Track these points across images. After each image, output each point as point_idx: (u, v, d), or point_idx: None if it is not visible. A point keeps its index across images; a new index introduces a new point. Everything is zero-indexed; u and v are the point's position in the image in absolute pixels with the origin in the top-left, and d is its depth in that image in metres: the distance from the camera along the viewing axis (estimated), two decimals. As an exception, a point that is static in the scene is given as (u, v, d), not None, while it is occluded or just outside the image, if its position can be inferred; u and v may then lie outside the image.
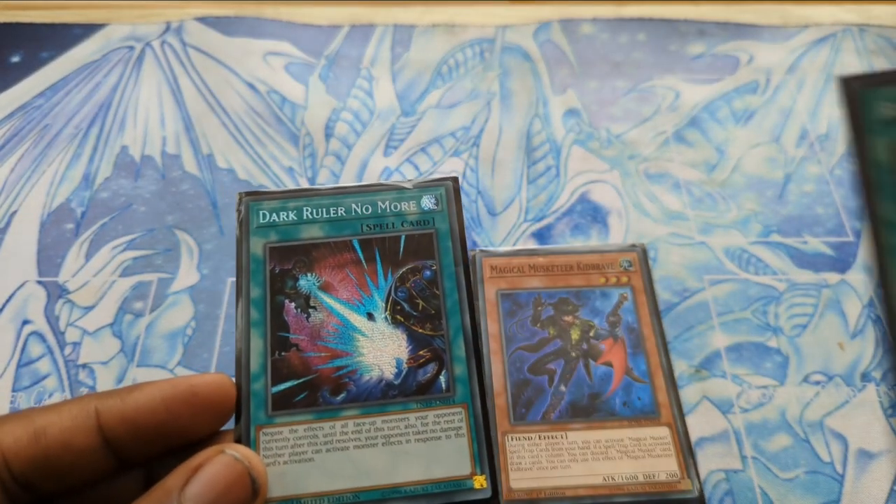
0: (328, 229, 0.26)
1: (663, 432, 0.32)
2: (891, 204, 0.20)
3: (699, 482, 0.31)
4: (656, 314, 0.35)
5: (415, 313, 0.25)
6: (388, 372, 0.24)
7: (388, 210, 0.26)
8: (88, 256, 0.38)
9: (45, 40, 0.48)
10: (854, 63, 0.47)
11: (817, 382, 0.34)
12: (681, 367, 0.34)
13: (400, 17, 0.50)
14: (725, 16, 0.50)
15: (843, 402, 0.33)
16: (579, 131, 0.44)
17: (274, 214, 0.26)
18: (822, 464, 0.32)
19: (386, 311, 0.25)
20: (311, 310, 0.25)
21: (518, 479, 0.31)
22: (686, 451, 0.31)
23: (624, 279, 0.36)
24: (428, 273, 0.25)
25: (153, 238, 0.39)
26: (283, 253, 0.25)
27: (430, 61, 0.47)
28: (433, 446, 0.23)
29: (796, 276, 0.37)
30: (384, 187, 0.26)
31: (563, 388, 0.33)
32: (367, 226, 0.26)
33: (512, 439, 0.32)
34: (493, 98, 0.45)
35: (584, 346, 0.34)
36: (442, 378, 0.24)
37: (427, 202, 0.26)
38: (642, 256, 0.37)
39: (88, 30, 0.49)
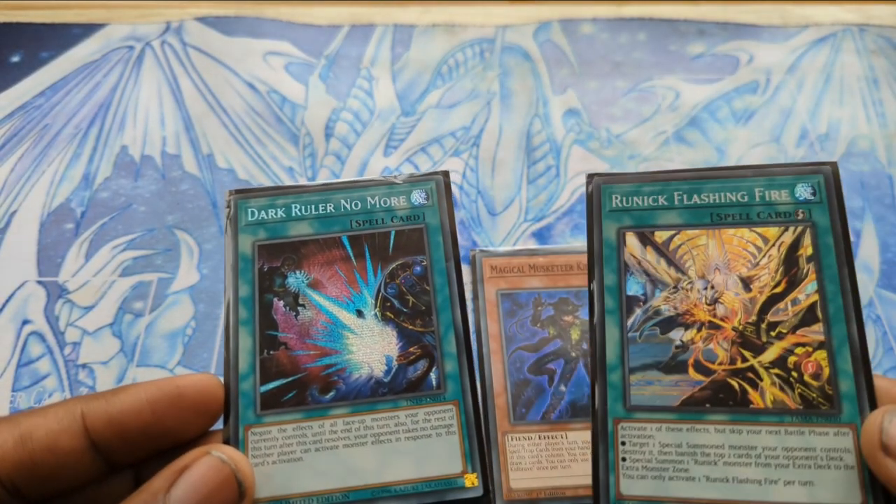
0: (317, 226, 0.25)
1: (663, 432, 0.32)
2: (611, 273, 0.24)
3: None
4: (656, 314, 0.35)
5: (405, 310, 0.25)
6: (378, 369, 0.24)
7: (378, 205, 0.26)
8: (88, 256, 0.38)
9: (45, 40, 0.48)
10: (854, 63, 0.47)
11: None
12: (681, 367, 0.34)
13: (400, 17, 0.50)
14: (725, 16, 0.50)
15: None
16: (579, 131, 0.44)
17: (262, 212, 0.26)
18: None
19: (375, 307, 0.25)
20: (299, 308, 0.24)
21: (518, 479, 0.31)
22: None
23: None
24: (418, 269, 0.25)
25: (153, 238, 0.39)
26: (272, 250, 0.25)
27: (430, 61, 0.47)
28: (424, 444, 0.23)
29: (796, 276, 0.37)
30: (373, 182, 0.26)
31: (563, 387, 0.33)
32: (357, 222, 0.26)
33: (512, 439, 0.32)
34: (493, 98, 0.45)
35: (585, 345, 0.34)
36: (433, 375, 0.24)
37: (417, 197, 0.26)
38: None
39: (88, 30, 0.49)
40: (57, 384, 0.34)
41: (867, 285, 0.37)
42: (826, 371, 0.23)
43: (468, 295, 0.36)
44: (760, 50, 0.48)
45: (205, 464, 0.20)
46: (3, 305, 0.37)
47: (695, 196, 0.25)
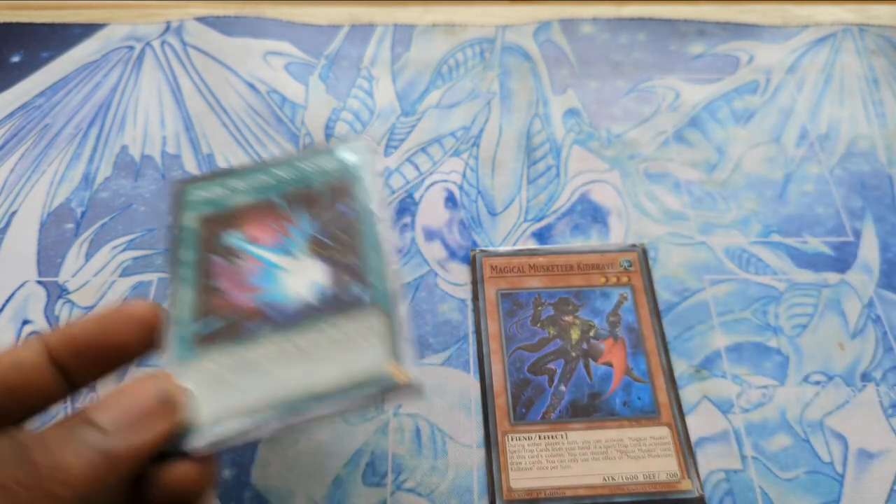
0: (254, 194, 0.28)
1: (663, 432, 0.32)
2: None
3: (699, 482, 0.31)
4: (656, 314, 0.35)
5: (333, 244, 0.26)
6: (308, 296, 0.25)
7: (311, 169, 0.28)
8: (88, 256, 0.38)
9: (45, 40, 0.48)
10: (854, 63, 0.47)
11: (817, 382, 0.34)
12: (681, 366, 0.34)
13: (400, 17, 0.50)
14: (725, 16, 0.50)
15: (844, 403, 0.33)
16: (579, 131, 0.44)
17: (204, 191, 0.28)
18: (823, 464, 0.32)
19: (306, 247, 0.26)
20: (237, 260, 0.26)
21: (518, 479, 0.31)
22: (686, 450, 0.31)
23: (624, 279, 0.36)
24: (346, 210, 0.27)
25: (153, 238, 0.39)
26: (214, 221, 0.27)
27: (430, 61, 0.47)
28: (350, 349, 0.23)
29: (796, 276, 0.37)
30: (307, 153, 0.29)
31: (563, 387, 0.33)
32: (292, 186, 0.28)
33: (512, 439, 0.32)
34: (493, 98, 0.45)
35: (585, 345, 0.34)
36: (356, 288, 0.25)
37: (347, 156, 0.28)
38: (642, 256, 0.37)
39: (88, 30, 0.49)
40: (57, 384, 0.34)
41: (867, 285, 0.37)
42: None
43: (468, 295, 0.36)
44: (760, 50, 0.48)
45: (137, 383, 0.22)
46: (3, 305, 0.37)
47: None
